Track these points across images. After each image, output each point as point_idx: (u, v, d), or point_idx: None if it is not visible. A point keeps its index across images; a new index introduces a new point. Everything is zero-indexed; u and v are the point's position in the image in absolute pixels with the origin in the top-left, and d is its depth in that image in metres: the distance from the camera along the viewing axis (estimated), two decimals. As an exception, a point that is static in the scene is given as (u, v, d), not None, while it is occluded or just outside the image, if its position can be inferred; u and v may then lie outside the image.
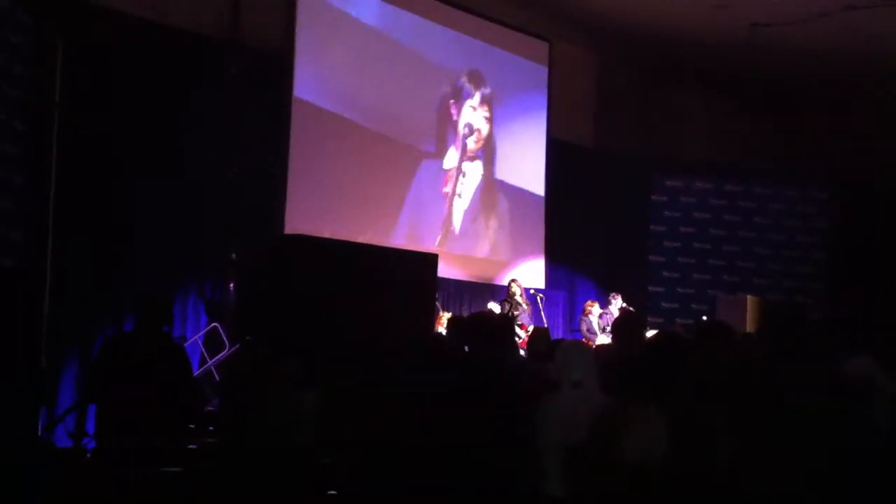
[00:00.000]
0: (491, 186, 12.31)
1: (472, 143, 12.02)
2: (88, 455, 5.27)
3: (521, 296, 11.19)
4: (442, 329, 9.01)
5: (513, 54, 12.63)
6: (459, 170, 11.83)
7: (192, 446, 5.64)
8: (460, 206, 11.85)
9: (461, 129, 11.83)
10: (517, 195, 12.68)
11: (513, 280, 11.43)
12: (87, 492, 4.57)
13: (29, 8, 7.64)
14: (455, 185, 11.76)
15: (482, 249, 12.23)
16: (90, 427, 5.57)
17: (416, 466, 4.03)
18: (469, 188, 11.95)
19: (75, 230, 8.10)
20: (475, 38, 12.12)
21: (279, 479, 4.39)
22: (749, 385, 3.27)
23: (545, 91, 13.05)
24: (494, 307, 10.86)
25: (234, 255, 8.91)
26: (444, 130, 11.70)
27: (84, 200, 8.18)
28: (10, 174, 7.38)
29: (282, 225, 9.75)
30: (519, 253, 12.67)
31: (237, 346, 7.99)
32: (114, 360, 5.16)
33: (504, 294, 11.47)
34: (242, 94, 9.38)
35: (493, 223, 12.36)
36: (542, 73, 13.02)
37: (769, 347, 3.55)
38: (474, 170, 12.04)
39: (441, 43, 11.64)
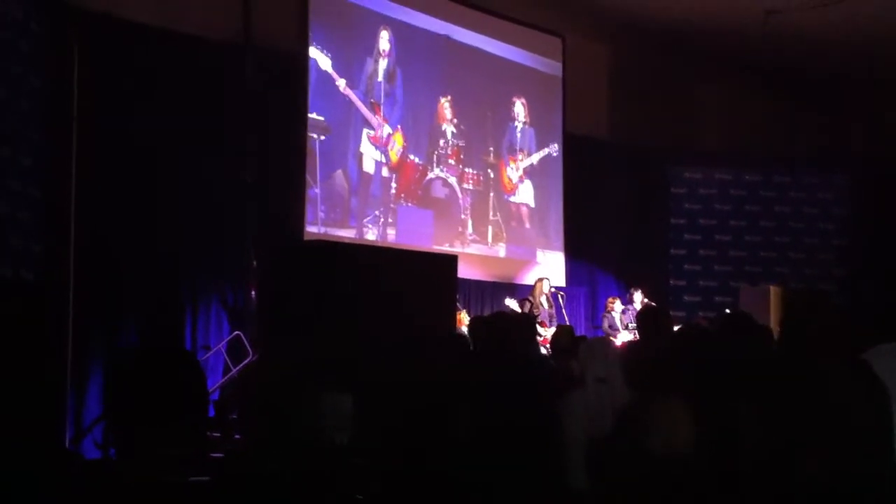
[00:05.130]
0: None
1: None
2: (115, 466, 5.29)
3: (543, 295, 11.15)
4: (463, 328, 9.00)
5: (527, 51, 12.57)
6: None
7: (216, 455, 5.65)
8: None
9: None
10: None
11: (539, 279, 11.38)
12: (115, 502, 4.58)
13: (42, 19, 7.69)
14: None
15: (498, 240, 12.09)
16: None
17: (439, 462, 4.02)
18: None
19: (96, 240, 8.15)
20: (492, 36, 12.07)
21: (311, 482, 4.38)
22: (776, 377, 3.24)
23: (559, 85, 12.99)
24: (511, 304, 10.83)
25: (255, 262, 8.94)
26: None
27: (103, 210, 8.23)
28: (28, 186, 7.43)
29: (301, 231, 9.75)
30: (538, 245, 12.56)
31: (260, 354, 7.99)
32: (125, 376, 5.15)
33: (527, 293, 11.43)
34: (258, 98, 9.40)
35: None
36: (555, 67, 12.94)
37: (794, 338, 3.49)
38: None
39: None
